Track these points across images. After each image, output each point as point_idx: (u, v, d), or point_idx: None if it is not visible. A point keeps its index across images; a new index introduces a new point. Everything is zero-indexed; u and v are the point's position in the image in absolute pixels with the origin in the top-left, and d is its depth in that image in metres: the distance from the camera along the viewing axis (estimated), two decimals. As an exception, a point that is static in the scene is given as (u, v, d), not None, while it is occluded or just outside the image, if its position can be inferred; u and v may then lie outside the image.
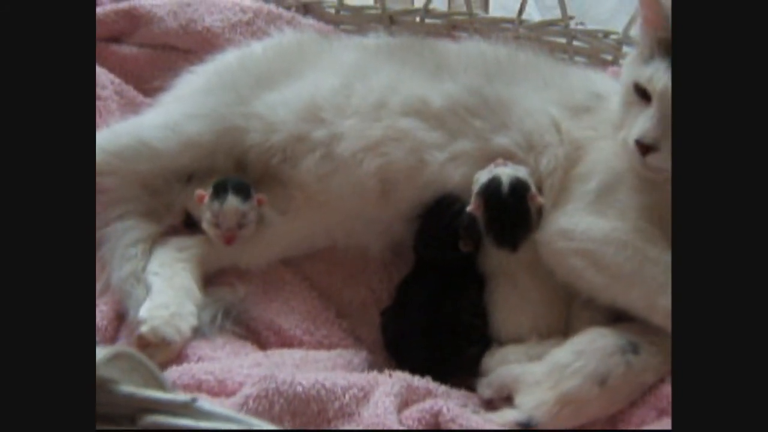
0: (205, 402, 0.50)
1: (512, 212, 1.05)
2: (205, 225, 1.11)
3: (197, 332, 1.05)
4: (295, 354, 1.02)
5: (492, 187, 1.04)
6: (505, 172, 1.05)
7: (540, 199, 1.05)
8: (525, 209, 1.05)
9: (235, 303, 1.11)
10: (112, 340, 1.05)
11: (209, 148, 1.17)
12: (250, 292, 1.12)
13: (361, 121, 1.12)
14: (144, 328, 1.00)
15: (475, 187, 1.06)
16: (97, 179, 1.14)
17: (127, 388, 0.52)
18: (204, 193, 1.11)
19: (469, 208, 1.05)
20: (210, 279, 1.15)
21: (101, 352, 0.52)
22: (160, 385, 0.55)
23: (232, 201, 1.10)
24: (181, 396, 0.51)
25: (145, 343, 0.99)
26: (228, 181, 1.11)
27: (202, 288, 1.11)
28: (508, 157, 1.08)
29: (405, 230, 1.14)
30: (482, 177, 1.06)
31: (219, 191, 1.10)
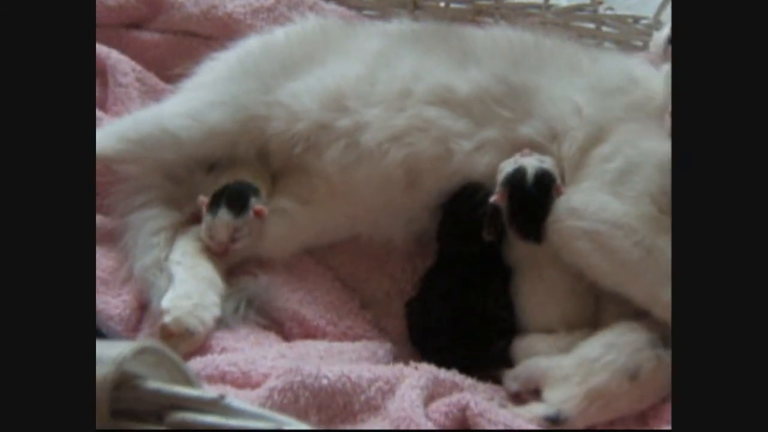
0: (234, 399, 0.49)
1: (537, 204, 1.03)
2: (201, 234, 1.10)
3: (220, 323, 1.04)
4: (320, 345, 1.01)
5: (517, 178, 1.03)
6: (531, 163, 1.03)
7: (563, 188, 1.03)
8: (549, 201, 1.02)
9: (258, 293, 1.09)
10: (135, 330, 1.05)
11: (231, 137, 1.16)
12: (273, 282, 1.11)
13: (386, 110, 1.10)
14: (167, 319, 0.99)
15: (500, 177, 1.04)
16: (119, 167, 1.15)
17: (154, 383, 0.51)
18: (206, 200, 1.10)
19: (492, 199, 1.03)
20: (232, 269, 1.13)
21: (127, 347, 0.51)
22: (188, 381, 0.53)
23: (223, 216, 1.08)
24: (210, 392, 0.50)
25: (168, 334, 0.98)
26: (225, 193, 1.10)
27: (224, 278, 1.10)
28: (534, 147, 1.06)
29: (429, 220, 1.12)
30: (507, 167, 1.04)
31: (214, 203, 1.09)
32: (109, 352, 0.50)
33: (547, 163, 1.04)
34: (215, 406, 0.50)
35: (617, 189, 0.99)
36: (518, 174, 1.03)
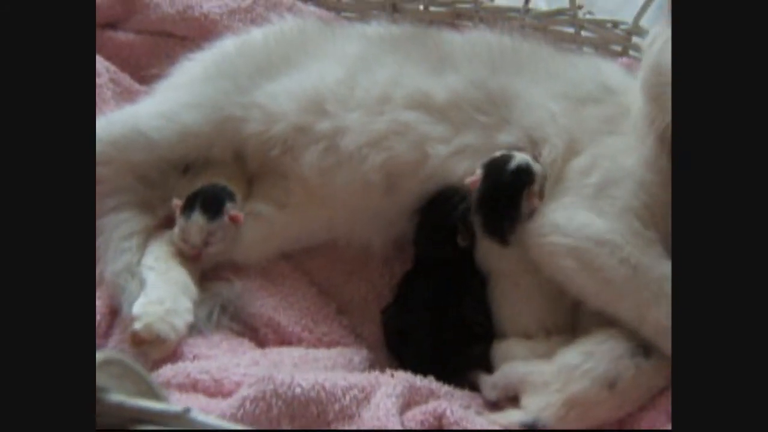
0: (200, 413, 0.47)
1: (506, 195, 1.00)
2: (174, 237, 1.08)
3: (193, 329, 1.02)
4: (294, 352, 0.99)
5: (499, 161, 1.02)
6: (521, 155, 1.02)
7: (537, 202, 1.01)
8: (517, 198, 1.00)
9: (232, 298, 1.07)
10: (105, 336, 1.02)
11: (206, 139, 1.14)
12: (248, 288, 1.09)
13: (366, 114, 1.09)
14: (138, 325, 0.97)
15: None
16: None
17: (118, 396, 0.49)
18: (180, 203, 1.09)
19: (469, 179, 1.02)
20: (206, 273, 1.11)
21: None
22: (153, 393, 0.52)
23: (197, 219, 1.07)
24: (174, 406, 0.48)
25: (139, 340, 0.96)
26: (199, 195, 1.08)
27: (198, 283, 1.08)
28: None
29: (408, 225, 1.11)
30: (498, 152, 1.03)
31: (188, 206, 1.08)
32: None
33: (539, 168, 1.02)
34: (180, 419, 0.48)
35: (599, 204, 0.98)
36: (502, 158, 1.02)
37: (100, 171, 1.11)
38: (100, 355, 0.50)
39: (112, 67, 1.37)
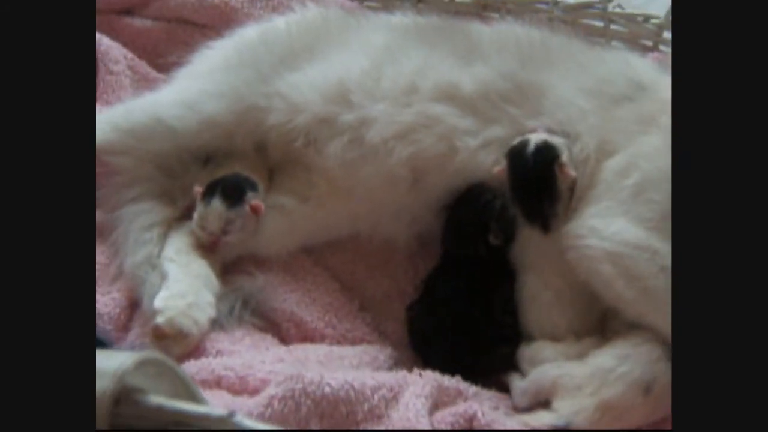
0: (245, 418, 0.45)
1: (537, 178, 0.99)
2: (193, 224, 1.06)
3: (214, 323, 1.00)
4: (319, 350, 0.97)
5: (518, 149, 1.00)
6: (537, 136, 1.01)
7: (571, 172, 0.99)
8: (551, 177, 0.99)
9: (254, 293, 1.05)
10: (125, 329, 1.01)
11: (228, 129, 1.11)
12: (270, 282, 1.07)
13: (392, 106, 1.06)
14: (160, 319, 0.94)
15: None
16: (111, 159, 1.10)
17: (157, 398, 0.47)
18: (201, 189, 1.07)
19: (495, 169, 1.01)
20: (227, 267, 1.09)
21: (128, 359, 0.47)
22: (192, 395, 0.49)
23: (217, 206, 1.04)
24: (217, 409, 0.46)
25: (160, 335, 0.94)
26: (221, 183, 1.06)
27: (219, 276, 1.06)
28: None
29: (433, 220, 1.08)
30: (514, 141, 1.02)
31: (208, 192, 1.06)
32: (108, 364, 0.46)
33: (557, 140, 1.00)
34: (224, 423, 0.45)
35: (637, 209, 0.94)
36: (519, 145, 1.00)
37: (120, 161, 1.11)
38: (137, 356, 0.48)
39: (130, 54, 1.35)
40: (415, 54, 1.11)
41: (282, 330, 1.04)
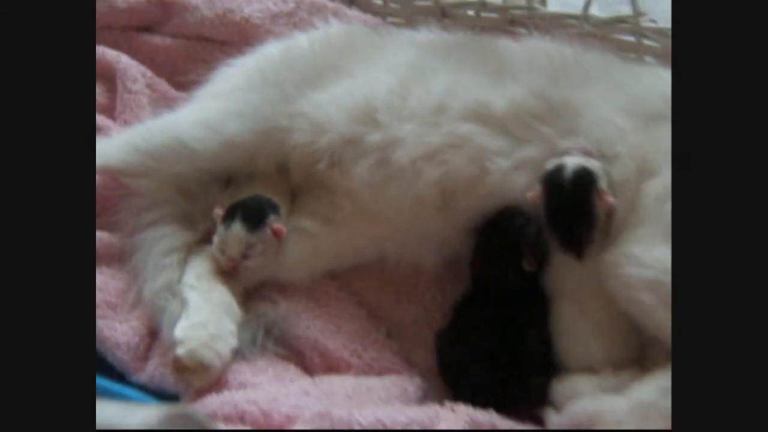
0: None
1: (574, 204, 0.95)
2: (213, 248, 1.03)
3: (236, 353, 0.96)
4: (346, 382, 0.93)
5: (554, 173, 0.96)
6: (573, 160, 0.97)
7: (610, 199, 0.95)
8: (589, 204, 0.95)
9: (277, 320, 1.01)
10: (143, 359, 0.97)
11: (250, 150, 1.08)
12: (293, 309, 1.03)
13: (420, 126, 1.03)
14: (180, 350, 0.91)
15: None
16: (129, 181, 1.08)
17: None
18: (221, 212, 1.04)
19: (529, 194, 0.97)
20: (248, 293, 1.06)
21: (153, 413, 0.43)
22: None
23: (237, 229, 1.01)
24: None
25: (181, 367, 0.90)
26: (241, 205, 1.03)
27: (241, 303, 1.02)
28: None
29: (462, 244, 1.04)
30: (549, 164, 0.98)
31: (229, 215, 1.03)
32: (131, 420, 0.42)
33: (594, 164, 0.96)
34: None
35: None
36: (556, 169, 0.96)
37: (139, 183, 1.08)
38: (164, 411, 0.44)
39: (149, 73, 1.33)
40: (443, 72, 1.08)
41: (306, 359, 1.00)
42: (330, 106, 1.07)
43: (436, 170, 1.01)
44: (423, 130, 1.03)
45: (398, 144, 1.02)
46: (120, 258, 1.05)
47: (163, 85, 1.33)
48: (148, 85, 1.31)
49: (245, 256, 1.02)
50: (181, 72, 1.31)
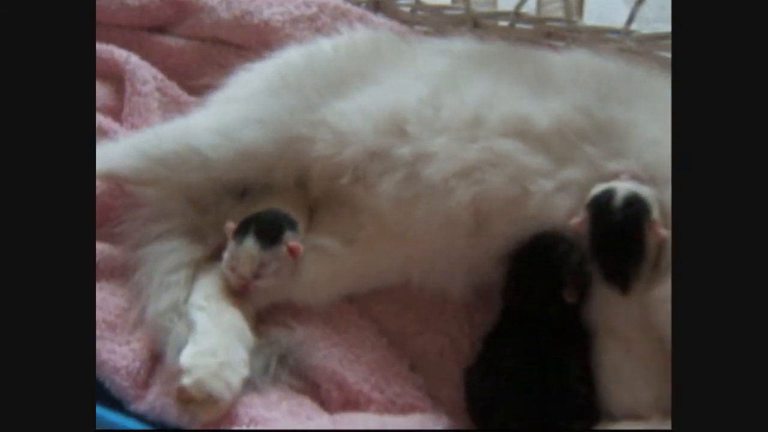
0: None
1: (623, 235, 0.88)
2: (222, 265, 0.95)
3: (247, 383, 0.87)
4: (369, 421, 0.84)
5: (603, 200, 0.88)
6: (624, 185, 0.89)
7: (662, 231, 0.87)
8: (640, 236, 0.87)
9: (292, 348, 0.93)
10: (144, 386, 0.88)
11: (268, 160, 1.00)
12: (309, 335, 0.95)
13: (454, 139, 0.95)
14: (187, 380, 0.82)
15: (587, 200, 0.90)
16: (136, 189, 1.00)
17: None
18: (233, 226, 0.96)
19: (573, 221, 0.89)
20: (261, 316, 0.97)
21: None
22: None
23: (250, 245, 0.93)
24: None
25: (186, 398, 0.81)
26: (255, 220, 0.96)
27: (253, 327, 0.94)
28: None
29: (494, 270, 0.96)
30: (597, 189, 0.90)
31: (241, 229, 0.95)
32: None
33: (646, 192, 0.89)
34: None
35: None
36: (605, 195, 0.88)
37: (147, 191, 1.01)
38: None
39: (160, 75, 1.26)
40: (480, 82, 1.00)
41: (322, 392, 0.92)
42: (355, 116, 0.99)
43: (471, 189, 0.93)
44: (457, 144, 0.95)
45: (429, 159, 0.95)
46: (122, 273, 0.97)
47: (174, 89, 1.25)
48: (159, 88, 1.24)
49: (257, 276, 0.94)
50: (194, 76, 1.24)
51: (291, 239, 0.96)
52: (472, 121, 0.96)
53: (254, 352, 0.90)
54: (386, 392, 0.91)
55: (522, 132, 0.95)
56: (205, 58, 1.29)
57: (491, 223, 0.94)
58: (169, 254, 0.96)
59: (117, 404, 0.86)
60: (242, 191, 1.03)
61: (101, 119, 1.16)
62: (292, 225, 0.98)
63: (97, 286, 0.94)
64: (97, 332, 0.89)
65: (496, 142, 0.94)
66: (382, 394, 0.91)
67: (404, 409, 0.90)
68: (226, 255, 0.95)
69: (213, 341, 0.87)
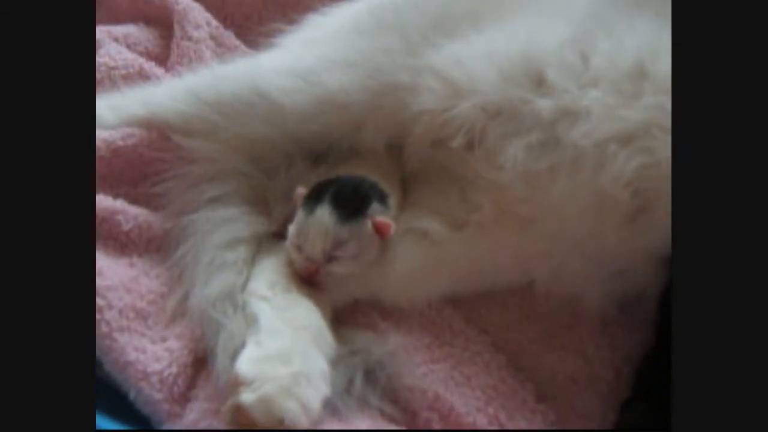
0: None
1: None
2: (287, 242, 0.79)
3: (325, 405, 0.67)
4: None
5: None
6: None
7: None
8: None
9: (383, 360, 0.72)
10: (183, 399, 0.68)
11: (356, 113, 0.83)
12: (404, 345, 0.75)
13: (612, 94, 0.76)
14: (248, 397, 0.62)
15: None
16: (188, 142, 0.83)
17: None
18: (304, 191, 0.80)
19: None
20: (340, 316, 0.78)
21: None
22: None
23: (324, 216, 0.75)
24: None
25: (245, 421, 0.60)
26: (333, 184, 0.79)
27: (331, 328, 0.74)
28: None
29: (649, 276, 0.77)
30: None
31: (314, 196, 0.78)
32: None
33: None
34: None
35: None
36: None
37: (197, 145, 0.83)
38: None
39: (214, 22, 1.10)
40: (640, 23, 0.80)
41: (420, 420, 0.72)
42: (473, 61, 0.81)
43: (633, 160, 0.74)
44: (616, 99, 0.75)
45: (577, 117, 0.76)
46: (161, 246, 0.79)
47: (231, 39, 1.09)
48: (213, 36, 1.08)
49: (330, 258, 0.76)
50: (254, 25, 1.10)
51: (378, 213, 0.78)
52: (634, 72, 0.77)
53: (333, 364, 0.70)
54: (506, 427, 0.71)
55: None
56: (268, 5, 1.12)
57: (656, 210, 0.74)
58: (223, 225, 0.79)
59: (145, 422, 0.64)
60: (319, 154, 0.85)
61: (142, 63, 0.98)
62: (382, 197, 0.80)
63: (128, 261, 0.75)
64: (124, 323, 0.69)
65: (667, 101, 0.73)
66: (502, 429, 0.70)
67: (532, 454, 0.68)
68: (291, 229, 0.78)
69: (283, 343, 0.68)
